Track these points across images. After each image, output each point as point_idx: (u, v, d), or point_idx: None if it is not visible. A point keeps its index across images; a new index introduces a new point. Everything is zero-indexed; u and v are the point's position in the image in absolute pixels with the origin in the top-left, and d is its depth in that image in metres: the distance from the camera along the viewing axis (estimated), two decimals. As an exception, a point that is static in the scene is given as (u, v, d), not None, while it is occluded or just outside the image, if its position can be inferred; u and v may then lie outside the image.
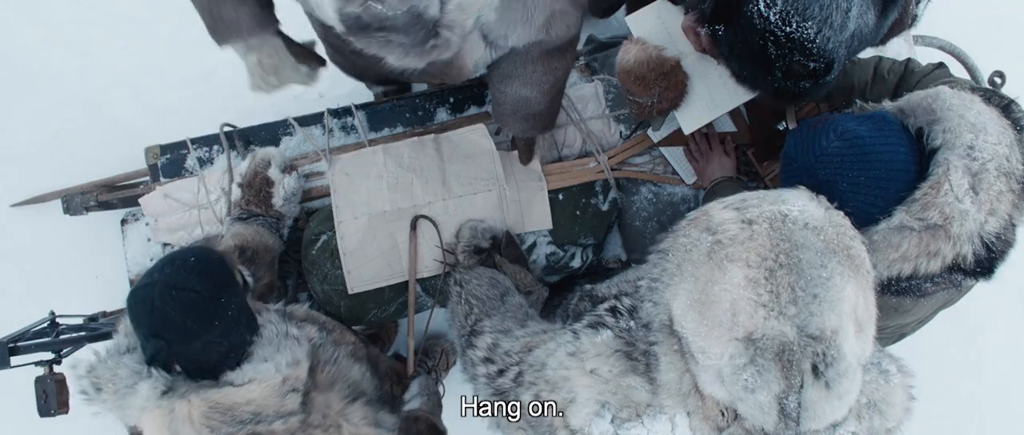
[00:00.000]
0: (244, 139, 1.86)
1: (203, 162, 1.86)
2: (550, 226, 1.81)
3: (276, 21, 1.45)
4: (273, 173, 1.68)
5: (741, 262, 0.86)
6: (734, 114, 1.89)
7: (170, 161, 1.87)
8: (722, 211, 0.93)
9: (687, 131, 1.60)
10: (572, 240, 1.84)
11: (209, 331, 1.08)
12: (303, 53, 1.51)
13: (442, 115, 1.89)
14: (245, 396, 1.07)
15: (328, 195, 1.80)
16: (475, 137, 1.79)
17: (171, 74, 2.39)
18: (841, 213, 0.93)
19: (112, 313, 2.18)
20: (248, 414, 1.06)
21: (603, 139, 1.87)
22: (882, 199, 1.07)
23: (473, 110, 1.91)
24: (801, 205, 0.90)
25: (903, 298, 1.12)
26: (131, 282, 1.98)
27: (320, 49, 1.60)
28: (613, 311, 1.11)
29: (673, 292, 0.93)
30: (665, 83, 1.50)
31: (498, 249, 1.72)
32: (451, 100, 1.89)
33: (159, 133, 1.96)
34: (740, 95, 1.53)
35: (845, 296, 0.85)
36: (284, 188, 1.68)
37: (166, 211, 1.82)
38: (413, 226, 1.73)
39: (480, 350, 1.30)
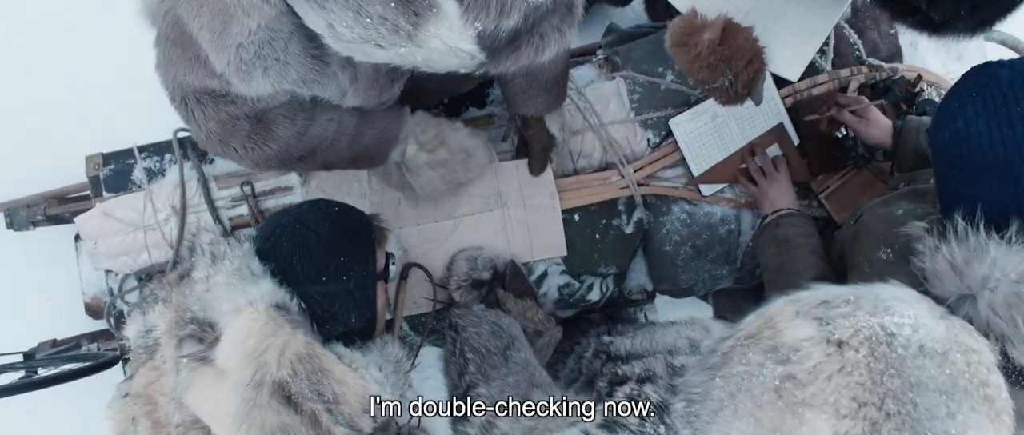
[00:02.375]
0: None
1: (153, 174, 1.57)
2: (564, 253, 1.51)
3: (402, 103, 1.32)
4: None
5: (827, 410, 0.58)
6: (786, 145, 1.59)
7: (114, 172, 1.58)
8: (795, 323, 0.63)
9: (795, 77, 1.30)
10: (590, 269, 1.54)
11: (312, 283, 0.95)
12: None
13: (435, 119, 1.60)
14: (342, 375, 0.91)
15: (298, 214, 1.51)
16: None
17: (116, 72, 2.12)
18: (967, 327, 0.64)
19: (62, 342, 1.92)
20: (331, 393, 0.90)
21: (627, 148, 1.57)
22: None
23: (472, 112, 1.61)
24: (913, 317, 0.61)
25: None
26: (86, 306, 1.73)
27: None
28: (635, 403, 0.83)
29: (722, 429, 0.63)
30: (727, 53, 1.20)
31: (501, 282, 1.42)
32: (445, 102, 1.60)
33: (105, 139, 1.67)
34: (833, 14, 1.25)
35: None
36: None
37: (106, 232, 1.53)
38: (404, 275, 1.44)
39: (473, 428, 1.03)
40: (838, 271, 1.30)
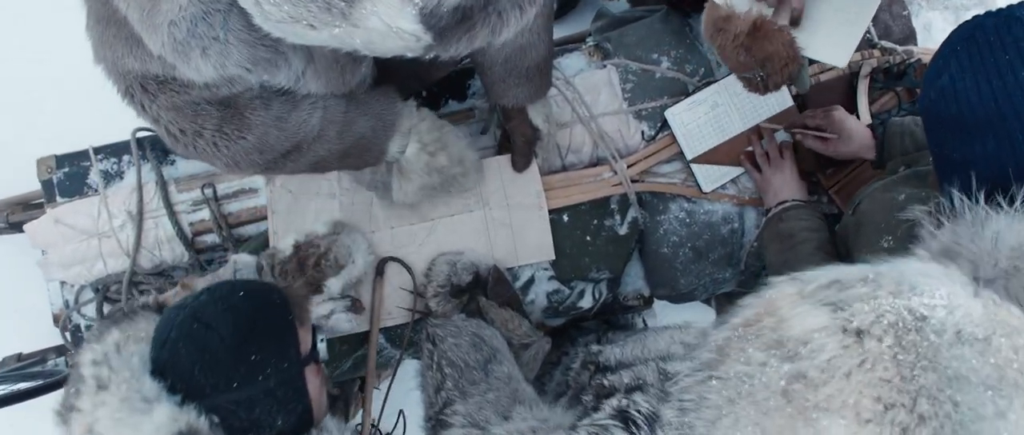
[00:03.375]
0: (161, 147, 1.46)
1: (111, 177, 1.46)
2: (552, 257, 1.39)
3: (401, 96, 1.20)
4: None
5: (846, 414, 0.48)
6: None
7: (69, 176, 1.47)
8: (801, 310, 0.53)
9: (843, 63, 1.16)
10: (581, 274, 1.42)
11: (221, 393, 0.82)
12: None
13: (412, 113, 1.48)
14: None
15: (263, 218, 1.40)
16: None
17: (75, 66, 2.01)
18: (1005, 303, 0.54)
19: (29, 356, 1.82)
20: None
21: (620, 142, 1.45)
22: None
23: (453, 106, 1.49)
24: (945, 295, 0.52)
25: None
26: (54, 317, 1.62)
27: None
28: (624, 418, 0.74)
29: None
30: (761, 55, 1.09)
31: (483, 289, 1.31)
32: (423, 95, 1.48)
33: (64, 139, 1.56)
34: None
35: None
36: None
37: (58, 240, 1.42)
38: (380, 271, 1.33)
39: None
40: (847, 268, 1.18)
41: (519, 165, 1.36)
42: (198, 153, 1.02)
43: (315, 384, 0.91)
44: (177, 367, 0.82)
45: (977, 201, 0.75)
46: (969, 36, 0.81)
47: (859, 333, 0.50)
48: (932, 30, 1.79)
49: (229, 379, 0.82)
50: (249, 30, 0.80)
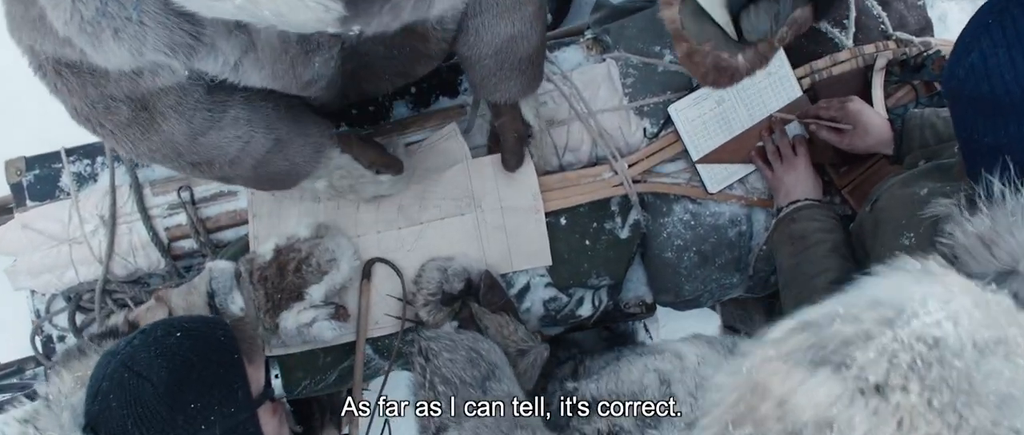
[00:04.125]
0: (136, 147, 1.39)
1: (84, 179, 1.39)
2: (549, 262, 1.31)
3: (332, 127, 1.17)
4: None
5: None
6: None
7: (40, 178, 1.40)
8: (796, 379, 0.44)
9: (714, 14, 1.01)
10: (580, 280, 1.34)
11: None
12: (379, 157, 1.21)
13: (401, 110, 1.41)
14: None
15: (243, 223, 1.32)
16: (440, 139, 1.30)
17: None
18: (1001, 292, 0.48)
19: (5, 366, 1.75)
20: None
21: (621, 139, 1.37)
22: None
23: (444, 103, 1.41)
24: (938, 306, 0.44)
25: None
26: (33, 323, 1.55)
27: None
28: None
29: None
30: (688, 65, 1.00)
31: (475, 296, 1.23)
32: (413, 90, 1.40)
33: (30, 141, 1.49)
34: None
35: None
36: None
37: (26, 247, 1.35)
38: (366, 274, 1.26)
39: None
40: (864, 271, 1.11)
41: (511, 164, 1.28)
42: (103, 136, 0.97)
43: (272, 424, 0.85)
44: (109, 422, 0.75)
45: (1018, 189, 0.68)
46: (1002, 8, 0.73)
47: (879, 389, 0.42)
48: (947, 21, 1.72)
49: (165, 433, 0.75)
50: (166, 11, 0.74)
